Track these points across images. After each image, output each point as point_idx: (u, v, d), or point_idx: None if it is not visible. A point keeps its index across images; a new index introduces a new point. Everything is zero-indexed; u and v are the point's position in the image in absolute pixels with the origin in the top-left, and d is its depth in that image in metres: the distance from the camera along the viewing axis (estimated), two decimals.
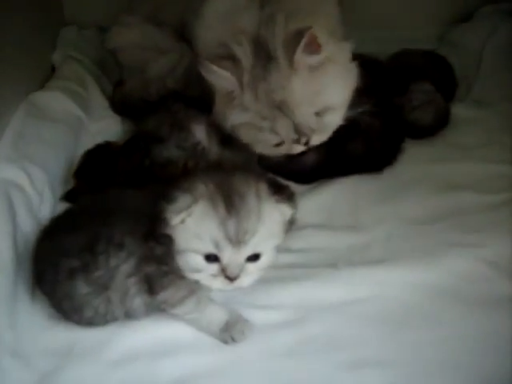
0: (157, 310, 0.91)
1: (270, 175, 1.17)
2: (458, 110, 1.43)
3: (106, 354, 0.89)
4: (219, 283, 0.82)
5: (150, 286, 0.87)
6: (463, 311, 0.95)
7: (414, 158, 1.29)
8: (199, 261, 0.80)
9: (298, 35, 1.03)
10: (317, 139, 1.13)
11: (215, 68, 1.06)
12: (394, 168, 1.27)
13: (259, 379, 0.86)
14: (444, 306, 0.96)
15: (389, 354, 0.89)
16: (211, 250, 0.79)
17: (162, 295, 0.87)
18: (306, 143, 1.13)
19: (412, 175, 1.24)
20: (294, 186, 1.14)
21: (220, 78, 1.08)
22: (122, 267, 0.86)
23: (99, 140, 1.24)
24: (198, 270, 0.81)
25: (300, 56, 1.04)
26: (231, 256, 0.79)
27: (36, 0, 1.43)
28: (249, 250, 0.80)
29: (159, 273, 0.86)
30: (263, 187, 0.83)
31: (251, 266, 0.81)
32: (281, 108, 1.06)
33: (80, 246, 0.87)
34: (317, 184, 1.23)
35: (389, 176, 1.25)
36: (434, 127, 1.36)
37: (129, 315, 0.90)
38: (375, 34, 1.65)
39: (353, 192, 1.20)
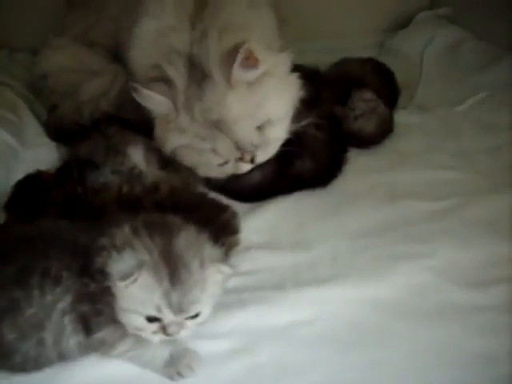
0: (92, 350, 0.85)
1: (211, 196, 1.14)
2: (401, 118, 1.44)
3: None
4: (159, 338, 0.80)
5: (86, 326, 0.82)
6: (415, 325, 0.93)
7: (358, 169, 1.28)
8: (140, 321, 0.78)
9: (234, 51, 1.01)
10: (262, 156, 1.11)
11: (148, 92, 1.03)
12: (338, 180, 1.25)
13: None
14: (395, 322, 0.93)
15: (340, 377, 0.86)
16: (153, 313, 0.77)
17: (99, 335, 0.82)
18: (252, 160, 1.10)
19: (356, 187, 1.23)
20: (236, 205, 1.13)
21: (154, 101, 1.05)
22: (58, 304, 0.80)
23: (35, 168, 1.17)
24: (140, 329, 0.79)
25: (237, 72, 1.01)
26: (172, 319, 0.78)
27: None
28: (190, 314, 0.79)
29: (94, 312, 0.81)
30: (206, 249, 0.82)
31: (190, 322, 0.80)
32: (219, 126, 1.04)
33: (6, 281, 0.80)
34: (260, 202, 1.20)
35: (333, 190, 1.23)
36: (378, 135, 1.35)
37: (63, 357, 0.84)
38: (314, 45, 1.65)
39: (296, 209, 1.18)
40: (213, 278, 0.80)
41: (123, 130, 1.18)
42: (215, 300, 0.83)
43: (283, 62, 1.11)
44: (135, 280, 0.76)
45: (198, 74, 1.04)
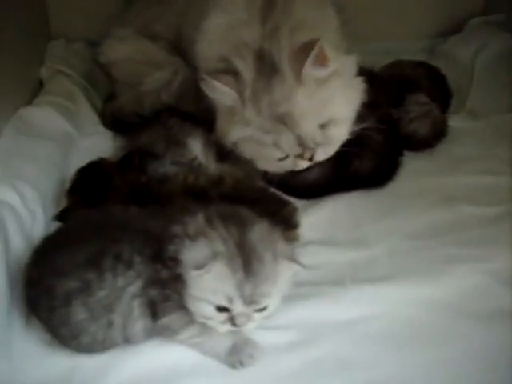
0: (157, 335, 0.87)
1: (272, 190, 1.14)
2: (454, 122, 1.42)
3: (107, 382, 0.84)
4: (226, 328, 0.81)
5: (153, 311, 0.83)
6: (471, 327, 0.93)
7: (413, 172, 1.28)
8: (209, 310, 0.79)
9: (307, 47, 1.02)
10: (321, 154, 1.12)
11: (215, 83, 1.04)
12: (393, 182, 1.25)
13: None
14: (451, 323, 0.94)
15: (398, 374, 0.86)
16: (223, 303, 0.78)
17: (165, 320, 0.83)
18: (311, 158, 1.10)
19: (411, 189, 1.23)
20: (295, 201, 1.13)
21: (221, 93, 1.06)
22: (129, 288, 0.82)
23: (89, 157, 1.19)
24: (208, 318, 0.80)
25: (308, 69, 1.02)
26: (242, 310, 0.79)
27: (22, 15, 1.40)
28: (260, 306, 0.80)
29: (163, 297, 0.82)
30: (279, 244, 0.82)
31: (257, 315, 0.81)
32: (284, 121, 1.04)
33: (80, 263, 0.82)
34: (318, 199, 1.21)
35: (388, 191, 1.23)
36: (432, 139, 1.35)
37: (128, 340, 0.86)
38: (366, 47, 1.63)
39: (352, 207, 1.19)
40: (284, 273, 0.81)
41: (183, 122, 1.20)
42: (283, 295, 0.83)
43: (351, 63, 1.12)
44: (209, 270, 0.77)
45: (266, 67, 1.05)
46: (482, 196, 1.20)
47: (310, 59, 1.01)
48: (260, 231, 0.81)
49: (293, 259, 0.82)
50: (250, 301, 0.78)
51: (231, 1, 1.14)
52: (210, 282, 0.78)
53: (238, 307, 0.78)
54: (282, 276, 0.80)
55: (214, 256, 0.76)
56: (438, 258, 1.05)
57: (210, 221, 0.81)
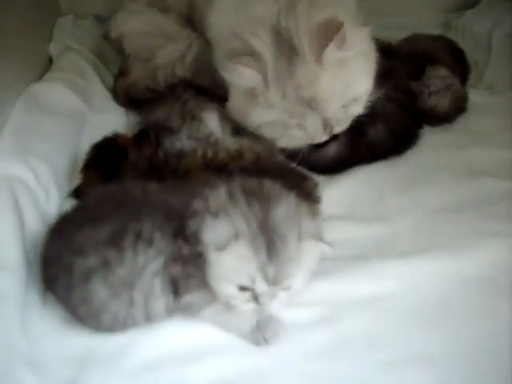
0: (178, 313, 0.85)
1: (293, 166, 1.12)
2: (472, 96, 1.39)
3: (127, 362, 0.83)
4: (250, 307, 0.78)
5: (175, 288, 0.81)
6: (500, 302, 0.91)
7: (433, 146, 1.25)
8: (232, 289, 0.77)
9: (328, 29, 0.98)
10: (339, 128, 1.09)
11: (237, 66, 1.01)
12: (413, 155, 1.23)
13: (296, 382, 0.81)
14: (480, 298, 0.92)
15: (429, 351, 0.84)
16: (246, 283, 0.76)
17: (188, 298, 0.81)
18: (329, 132, 1.08)
19: (433, 163, 1.20)
20: (315, 177, 1.11)
21: (243, 76, 1.03)
22: (150, 265, 0.79)
23: (102, 133, 1.16)
24: (231, 297, 0.78)
25: (331, 52, 0.99)
26: (266, 290, 0.76)
27: None
28: (283, 286, 0.77)
29: (185, 274, 0.80)
30: (304, 222, 0.79)
31: (283, 293, 0.78)
32: (310, 104, 1.02)
33: (99, 241, 0.80)
34: (338, 174, 1.18)
35: (409, 164, 1.21)
36: (452, 113, 1.32)
37: (149, 319, 0.84)
38: (382, 21, 1.60)
39: (373, 181, 1.16)
40: (308, 253, 0.78)
41: (198, 96, 1.17)
42: (309, 273, 0.81)
43: (367, 37, 1.09)
44: (231, 251, 0.74)
45: (286, 47, 1.01)
46: (504, 170, 1.18)
47: (333, 43, 0.97)
48: (285, 208, 0.78)
49: (319, 237, 0.79)
50: (273, 281, 0.75)
51: None
52: (231, 262, 0.75)
53: (261, 287, 0.76)
54: (306, 255, 0.78)
55: (236, 236, 0.74)
56: (464, 232, 1.02)
57: (233, 195, 0.78)
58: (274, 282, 0.75)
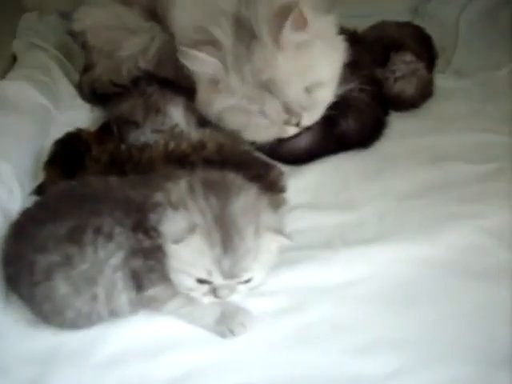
0: (142, 307, 0.85)
1: (257, 155, 1.12)
2: (440, 82, 1.40)
3: (94, 357, 0.82)
4: (209, 299, 0.78)
5: (138, 282, 0.80)
6: (466, 285, 0.91)
7: (400, 132, 1.25)
8: (191, 282, 0.76)
9: (285, 11, 0.98)
10: (308, 119, 1.09)
11: (197, 53, 1.01)
12: (380, 143, 1.22)
13: (262, 373, 0.81)
14: (446, 281, 0.92)
15: (394, 336, 0.85)
16: (203, 276, 0.75)
17: (150, 292, 0.81)
18: (298, 124, 1.08)
19: (399, 149, 1.20)
20: (280, 166, 1.11)
21: (202, 63, 1.03)
22: (111, 260, 0.79)
23: (68, 130, 1.15)
24: (190, 289, 0.77)
25: (287, 33, 0.99)
26: (223, 283, 0.76)
27: None
28: (241, 280, 0.77)
29: (146, 268, 0.80)
30: (264, 215, 0.78)
31: (242, 286, 0.78)
32: (269, 87, 1.01)
33: (60, 237, 0.79)
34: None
35: (376, 152, 1.21)
36: (418, 98, 1.32)
37: (114, 314, 0.83)
38: (347, 10, 1.59)
39: (339, 170, 1.16)
40: (267, 247, 0.77)
41: (162, 88, 1.16)
42: (269, 266, 0.80)
43: (331, 23, 1.08)
44: (187, 243, 0.73)
45: (245, 33, 1.01)
46: (472, 154, 1.18)
47: (288, 24, 0.97)
48: (243, 202, 0.77)
49: (278, 231, 0.78)
50: (229, 275, 0.75)
51: None
52: (188, 255, 0.75)
53: (218, 280, 0.75)
54: (265, 249, 0.77)
55: (192, 229, 0.73)
56: (429, 217, 1.03)
57: (193, 188, 0.78)
58: (231, 275, 0.75)
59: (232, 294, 0.77)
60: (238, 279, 0.76)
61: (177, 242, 0.73)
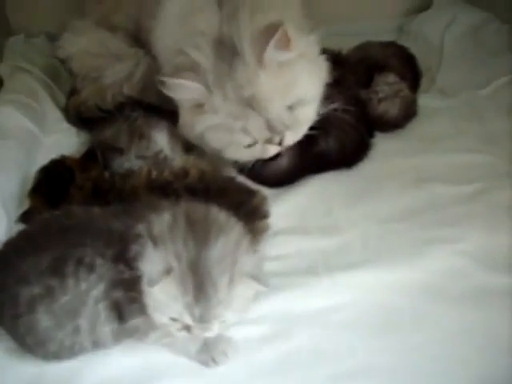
0: (125, 337, 0.84)
1: (240, 180, 1.12)
2: (424, 101, 1.41)
3: None
4: (183, 334, 0.78)
5: (119, 314, 0.81)
6: (447, 309, 0.92)
7: (385, 153, 1.26)
8: (165, 319, 0.76)
9: (269, 30, 0.99)
10: (291, 137, 1.09)
11: (177, 81, 1.02)
12: (364, 165, 1.23)
13: None
14: (427, 306, 0.93)
15: (376, 362, 0.85)
16: (176, 316, 0.75)
17: (132, 322, 0.81)
18: (280, 143, 1.08)
19: (383, 171, 1.21)
20: (262, 190, 1.11)
21: (184, 90, 1.04)
22: (93, 292, 0.79)
23: (55, 154, 1.16)
24: (164, 325, 0.78)
25: (271, 53, 1.00)
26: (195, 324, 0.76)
27: None
28: (212, 325, 0.77)
29: (128, 299, 0.79)
30: (242, 259, 0.77)
31: (216, 325, 0.77)
32: (251, 104, 1.02)
33: (42, 269, 0.79)
34: (288, 186, 1.19)
35: (359, 174, 1.21)
36: (402, 119, 1.33)
37: (97, 345, 0.83)
38: (333, 28, 1.61)
39: (323, 193, 1.16)
40: (242, 293, 0.77)
41: (147, 114, 1.17)
42: (244, 310, 0.81)
43: (313, 43, 1.09)
44: (161, 284, 0.73)
45: (227, 51, 1.02)
46: (454, 175, 1.19)
47: (271, 44, 0.98)
48: (221, 249, 0.76)
49: (255, 277, 0.77)
50: (200, 320, 0.75)
51: None
52: (162, 296, 0.74)
53: (190, 322, 0.75)
54: (239, 296, 0.76)
55: (167, 272, 0.73)
56: (412, 241, 1.03)
57: (175, 223, 0.77)
58: (201, 320, 0.75)
59: (205, 331, 0.77)
60: (209, 324, 0.76)
61: (152, 284, 0.73)
